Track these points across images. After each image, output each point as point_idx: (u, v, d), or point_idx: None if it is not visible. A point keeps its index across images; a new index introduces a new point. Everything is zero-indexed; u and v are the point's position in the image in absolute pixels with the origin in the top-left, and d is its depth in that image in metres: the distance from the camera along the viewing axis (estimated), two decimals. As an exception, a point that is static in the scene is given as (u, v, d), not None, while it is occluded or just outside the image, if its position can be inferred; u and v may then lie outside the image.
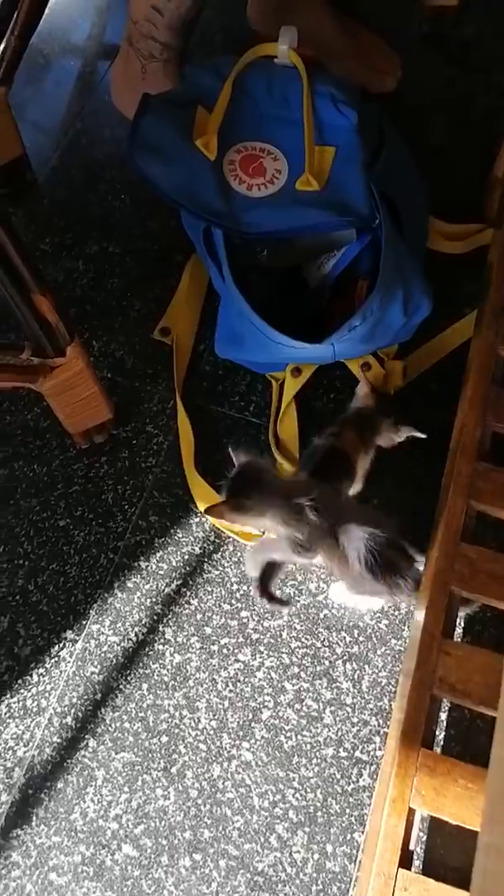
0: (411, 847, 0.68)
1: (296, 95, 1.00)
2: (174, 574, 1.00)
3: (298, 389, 1.05)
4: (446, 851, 0.82)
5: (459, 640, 0.94)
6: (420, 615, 0.77)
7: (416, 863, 0.81)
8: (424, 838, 0.83)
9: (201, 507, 1.01)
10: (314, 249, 1.03)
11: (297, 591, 0.98)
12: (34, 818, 0.87)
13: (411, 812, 0.68)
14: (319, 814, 0.87)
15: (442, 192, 1.16)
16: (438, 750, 0.88)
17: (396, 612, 0.97)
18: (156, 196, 1.21)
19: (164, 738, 0.91)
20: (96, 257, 1.23)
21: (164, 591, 0.99)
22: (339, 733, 0.91)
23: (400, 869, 0.65)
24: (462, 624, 0.95)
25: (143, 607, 0.98)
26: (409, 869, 0.66)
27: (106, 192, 1.29)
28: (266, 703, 0.93)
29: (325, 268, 1.02)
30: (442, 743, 0.89)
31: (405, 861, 0.66)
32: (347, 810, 0.87)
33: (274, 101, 1.01)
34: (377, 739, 0.90)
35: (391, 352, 1.07)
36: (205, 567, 1.00)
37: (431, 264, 1.10)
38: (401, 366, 1.04)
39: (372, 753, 0.90)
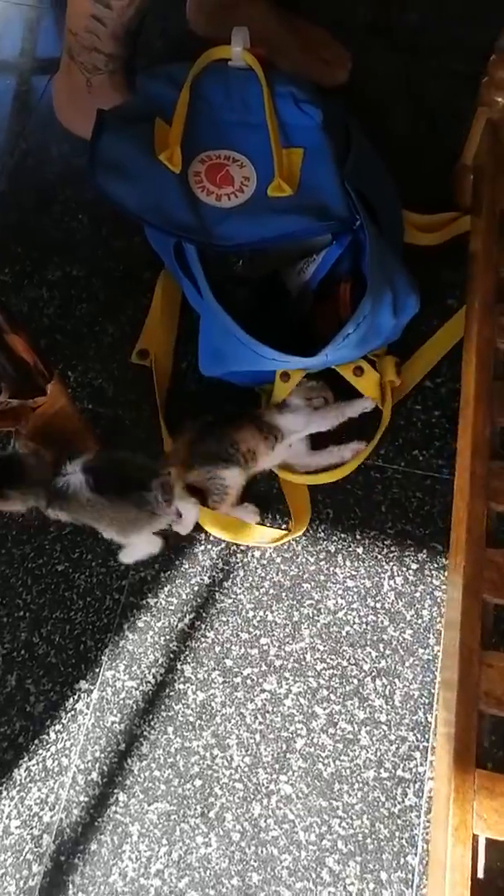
0: (479, 875, 0.66)
1: (256, 99, 0.95)
2: (185, 608, 0.95)
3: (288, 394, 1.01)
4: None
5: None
6: (453, 626, 0.74)
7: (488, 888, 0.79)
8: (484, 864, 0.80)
9: (216, 532, 0.97)
10: (292, 255, 1.00)
11: (315, 611, 0.95)
12: (70, 886, 0.82)
13: (475, 839, 0.65)
14: (369, 840, 0.84)
15: (411, 183, 1.13)
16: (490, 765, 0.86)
17: (420, 621, 0.94)
18: (116, 213, 1.16)
19: (198, 782, 0.87)
20: (60, 283, 1.18)
21: (177, 626, 0.94)
22: (378, 753, 0.88)
23: (473, 899, 0.62)
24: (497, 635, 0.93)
25: (157, 646, 0.93)
26: (482, 897, 0.63)
27: (62, 212, 1.24)
28: (299, 732, 0.89)
29: (305, 273, 0.98)
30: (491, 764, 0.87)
31: (476, 890, 0.63)
32: (397, 833, 0.84)
33: (233, 106, 0.97)
34: (417, 755, 0.88)
35: (381, 351, 1.04)
36: (216, 597, 0.96)
37: (407, 258, 1.08)
38: (393, 362, 1.01)
39: (414, 770, 0.87)
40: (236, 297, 0.95)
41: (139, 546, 0.95)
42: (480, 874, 0.65)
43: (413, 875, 0.82)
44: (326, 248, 0.96)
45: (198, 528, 0.98)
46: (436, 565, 0.97)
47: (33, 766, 0.87)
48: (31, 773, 0.87)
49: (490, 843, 0.69)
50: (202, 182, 0.94)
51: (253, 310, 0.96)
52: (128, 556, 0.96)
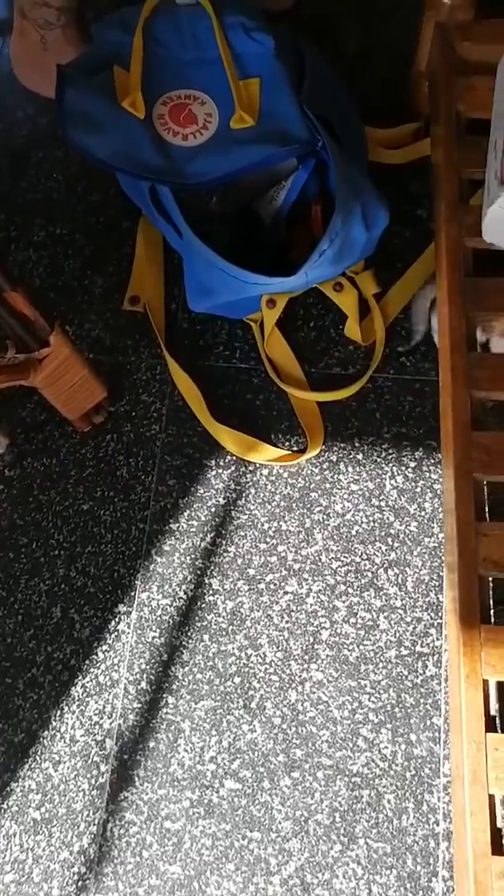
0: (492, 713, 0.74)
1: (207, 33, 0.98)
2: (206, 528, 1.03)
3: (277, 318, 1.06)
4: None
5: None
6: (451, 510, 0.81)
7: (498, 724, 0.87)
8: (497, 706, 0.89)
9: (235, 450, 1.04)
10: (261, 185, 1.04)
11: (324, 516, 1.02)
12: (136, 779, 0.92)
13: (485, 683, 0.74)
14: (397, 710, 0.93)
15: (369, 98, 1.16)
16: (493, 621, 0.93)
17: (423, 513, 1.01)
18: (89, 168, 1.20)
19: (237, 679, 0.96)
20: (46, 243, 1.22)
21: (200, 546, 1.02)
22: (397, 634, 0.96)
23: (487, 733, 0.71)
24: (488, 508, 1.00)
25: (184, 566, 1.01)
26: (496, 731, 0.72)
27: (37, 175, 1.27)
28: (323, 625, 0.98)
29: (276, 201, 1.02)
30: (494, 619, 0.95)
31: (490, 726, 0.72)
32: (421, 700, 0.93)
33: (186, 44, 0.99)
34: (433, 631, 0.96)
35: (358, 268, 1.09)
36: (233, 514, 1.03)
37: (374, 175, 1.11)
38: (371, 275, 1.06)
39: (431, 645, 0.95)
40: (214, 233, 1.00)
41: None
42: (493, 712, 0.74)
43: (439, 733, 0.91)
44: (294, 173, 1.00)
45: (212, 450, 1.05)
46: (432, 461, 1.04)
47: (88, 682, 0.97)
48: (87, 689, 0.96)
49: (500, 686, 0.77)
50: (167, 124, 0.97)
51: (231, 243, 1.01)
52: None
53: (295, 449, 1.06)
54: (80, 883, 0.88)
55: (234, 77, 0.96)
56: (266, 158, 0.92)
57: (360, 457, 1.05)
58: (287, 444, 1.06)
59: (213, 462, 1.06)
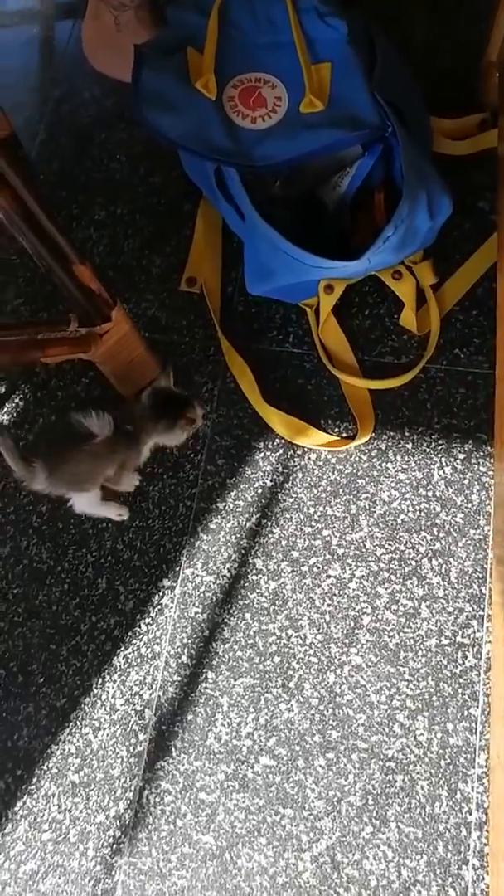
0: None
1: (281, 16, 0.99)
2: (252, 508, 1.04)
3: (334, 305, 1.07)
4: None
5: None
6: (501, 503, 0.81)
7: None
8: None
9: (284, 433, 1.05)
10: (326, 171, 1.04)
11: (370, 503, 1.03)
12: (173, 749, 0.94)
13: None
14: (435, 698, 0.93)
15: (437, 87, 1.15)
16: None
17: (470, 505, 1.01)
18: (152, 149, 1.21)
19: (277, 659, 0.97)
20: (107, 222, 1.24)
21: (245, 525, 1.03)
22: (438, 624, 0.97)
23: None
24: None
25: (229, 544, 1.03)
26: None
27: (100, 155, 1.29)
28: (364, 610, 0.98)
29: (340, 187, 1.02)
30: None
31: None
32: (459, 690, 0.93)
33: (260, 27, 1.00)
34: (474, 623, 0.96)
35: (417, 258, 1.08)
36: (279, 496, 1.04)
37: (438, 164, 1.11)
38: (429, 265, 1.06)
39: (472, 636, 0.95)
40: (277, 216, 1.00)
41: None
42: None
43: (476, 724, 0.91)
44: (359, 160, 1.01)
45: (261, 433, 1.06)
46: (482, 454, 1.03)
47: (130, 653, 0.98)
48: (129, 660, 0.98)
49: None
50: (237, 106, 0.98)
51: (293, 227, 1.01)
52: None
53: (344, 435, 1.06)
54: (114, 846, 0.90)
55: (306, 60, 0.96)
56: (335, 143, 0.92)
57: (409, 446, 1.05)
58: (336, 429, 1.07)
59: (262, 444, 1.07)
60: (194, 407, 0.98)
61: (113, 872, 0.90)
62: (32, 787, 0.94)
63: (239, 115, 0.97)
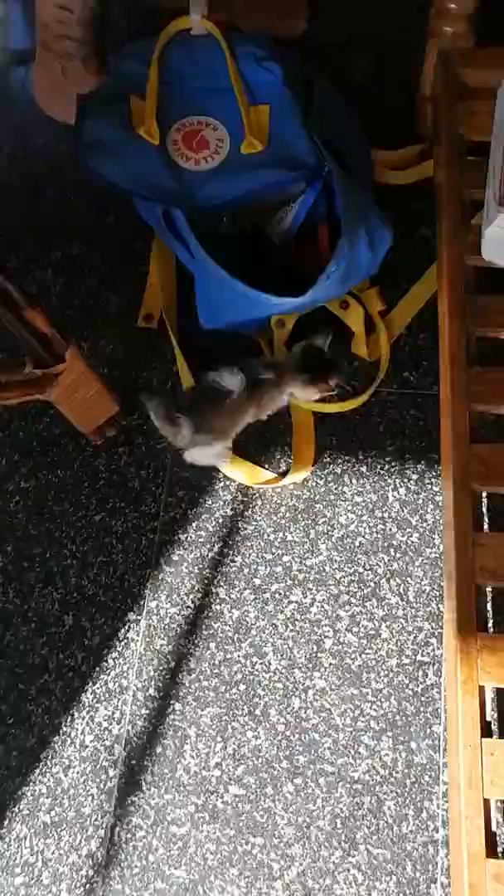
0: (488, 719, 0.76)
1: (220, 63, 1.03)
2: (213, 538, 1.06)
3: (287, 339, 1.10)
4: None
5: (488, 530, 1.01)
6: (450, 522, 0.83)
7: (495, 729, 0.89)
8: (494, 712, 0.90)
9: (225, 470, 1.07)
10: (271, 206, 1.07)
11: (329, 527, 1.05)
12: (143, 784, 0.94)
13: (482, 689, 0.75)
14: (398, 718, 0.95)
15: (376, 121, 1.19)
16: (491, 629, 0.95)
17: (425, 524, 1.04)
18: (105, 190, 1.24)
19: (242, 686, 0.98)
20: (63, 263, 1.27)
21: (207, 556, 1.05)
22: (399, 643, 0.98)
23: (483, 738, 0.73)
24: (487, 518, 1.02)
25: (192, 575, 1.04)
26: (491, 737, 0.74)
27: (56, 197, 1.32)
28: (326, 633, 1.00)
29: (285, 222, 1.06)
30: (493, 628, 0.97)
31: (486, 731, 0.74)
32: (422, 708, 0.95)
33: (200, 73, 1.04)
34: (434, 641, 0.98)
35: (363, 286, 1.12)
36: (239, 525, 1.06)
37: (380, 195, 1.15)
38: (376, 292, 1.09)
39: (432, 654, 0.97)
40: (226, 252, 1.03)
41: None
42: (489, 718, 0.75)
43: (439, 741, 0.93)
44: (302, 195, 1.04)
45: (215, 469, 1.08)
46: (434, 473, 1.06)
47: (98, 689, 0.99)
48: (97, 695, 0.99)
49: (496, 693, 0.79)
50: (181, 149, 1.02)
51: (242, 263, 1.04)
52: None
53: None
54: (87, 885, 0.91)
55: (244, 104, 1.00)
56: (274, 182, 0.96)
57: (363, 469, 1.08)
58: (287, 463, 1.09)
59: (222, 474, 1.09)
60: (334, 375, 1.04)
61: (86, 911, 0.90)
62: (4, 829, 0.94)
63: (183, 158, 1.01)
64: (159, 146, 1.00)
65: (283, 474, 1.07)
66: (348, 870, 0.90)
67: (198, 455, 1.04)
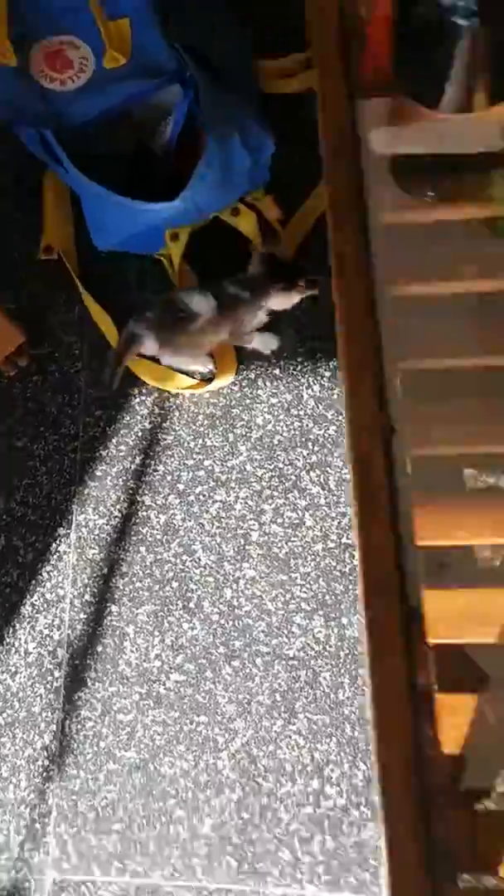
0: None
1: (74, -21, 1.02)
2: (134, 451, 1.09)
3: (185, 251, 1.11)
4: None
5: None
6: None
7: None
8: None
9: (150, 380, 1.10)
10: (150, 121, 1.08)
11: (247, 429, 1.09)
12: (88, 680, 0.99)
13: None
14: (328, 597, 1.00)
15: (264, 31, 1.20)
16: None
17: (341, 418, 1.07)
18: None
19: (175, 584, 1.02)
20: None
21: (130, 468, 1.08)
22: (323, 529, 1.03)
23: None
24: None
25: (117, 487, 1.07)
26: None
27: None
28: (252, 527, 1.04)
29: (165, 134, 1.07)
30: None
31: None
32: (350, 587, 1.00)
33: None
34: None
35: (259, 195, 1.13)
36: (159, 436, 1.10)
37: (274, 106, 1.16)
38: (271, 199, 1.11)
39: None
40: (113, 173, 1.04)
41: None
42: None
43: (363, 608, 0.98)
44: (177, 104, 1.05)
45: (134, 379, 1.10)
46: (340, 365, 1.10)
47: (35, 600, 1.03)
48: (35, 606, 1.03)
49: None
50: (44, 71, 1.02)
51: (130, 181, 1.06)
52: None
53: (209, 377, 1.11)
54: (45, 774, 0.96)
55: (101, 19, 1.00)
56: (137, 93, 0.97)
57: (276, 372, 1.11)
58: (200, 372, 1.12)
59: (136, 390, 1.12)
60: (301, 275, 1.03)
61: (46, 797, 0.95)
62: (-39, 742, 0.99)
63: (48, 80, 1.01)
64: (18, 68, 1.00)
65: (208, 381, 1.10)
66: (290, 736, 0.95)
67: (172, 361, 1.08)
